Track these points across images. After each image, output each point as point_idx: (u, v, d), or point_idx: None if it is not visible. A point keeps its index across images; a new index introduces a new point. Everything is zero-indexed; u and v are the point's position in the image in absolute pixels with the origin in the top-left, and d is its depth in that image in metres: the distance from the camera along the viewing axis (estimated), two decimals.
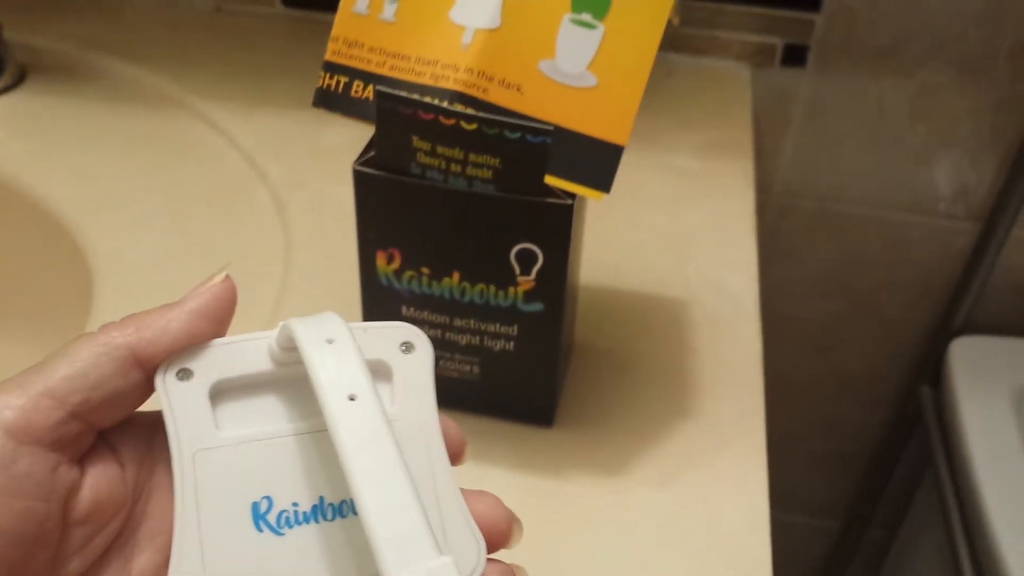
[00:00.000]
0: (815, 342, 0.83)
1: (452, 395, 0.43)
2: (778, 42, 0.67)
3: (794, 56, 0.68)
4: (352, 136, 0.40)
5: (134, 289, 0.51)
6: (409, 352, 0.25)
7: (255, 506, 0.23)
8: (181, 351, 0.23)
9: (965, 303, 0.74)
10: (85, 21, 0.72)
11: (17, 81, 0.67)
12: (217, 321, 0.24)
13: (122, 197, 0.57)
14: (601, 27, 0.35)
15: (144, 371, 0.23)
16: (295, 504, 0.23)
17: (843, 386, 0.85)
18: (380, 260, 0.39)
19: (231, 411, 0.23)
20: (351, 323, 0.24)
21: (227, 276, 0.24)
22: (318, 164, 0.59)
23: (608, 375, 0.46)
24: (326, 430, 0.21)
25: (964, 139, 0.69)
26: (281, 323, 0.23)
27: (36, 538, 0.21)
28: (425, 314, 0.40)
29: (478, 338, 0.41)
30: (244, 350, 0.24)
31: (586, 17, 0.35)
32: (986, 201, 0.72)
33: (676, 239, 0.55)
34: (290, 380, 0.24)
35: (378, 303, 0.41)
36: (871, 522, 0.91)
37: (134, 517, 0.23)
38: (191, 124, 0.63)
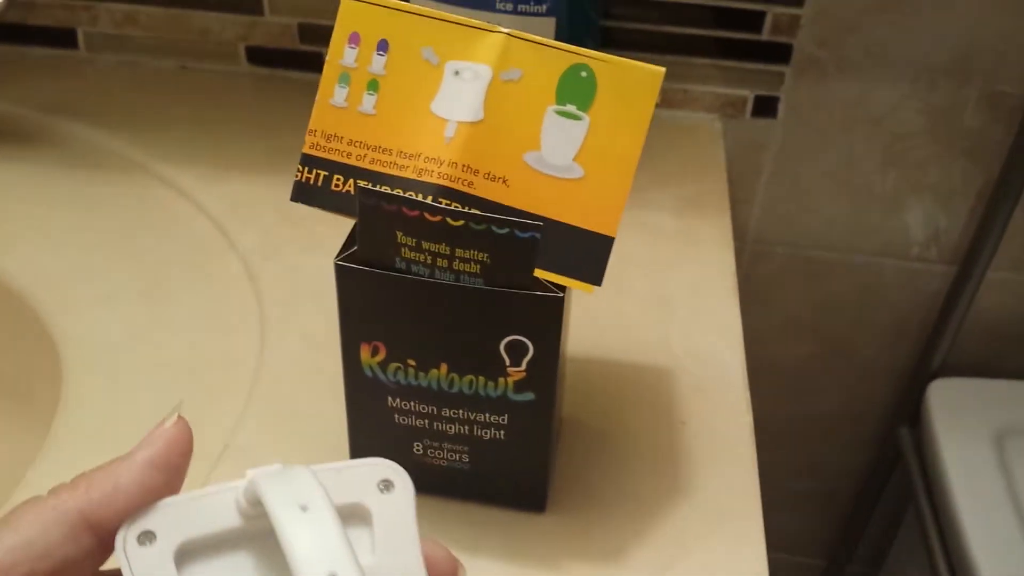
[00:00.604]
0: (793, 385, 0.83)
1: (441, 483, 0.42)
2: (748, 94, 0.67)
3: (765, 107, 0.68)
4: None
5: (104, 367, 0.49)
6: (388, 491, 0.24)
7: None
8: (139, 509, 0.22)
9: (942, 345, 0.74)
10: (45, 84, 0.70)
11: None
12: (172, 470, 0.22)
13: (88, 269, 0.55)
14: (586, 118, 0.34)
15: (96, 535, 0.21)
16: None
17: (823, 428, 0.85)
18: (364, 352, 0.38)
19: (199, 573, 0.22)
20: (323, 465, 0.23)
21: (180, 418, 0.23)
22: (291, 232, 0.58)
23: (598, 453, 0.45)
24: None
25: (935, 185, 0.70)
26: (248, 475, 0.22)
27: None
28: (412, 404, 0.39)
29: (467, 427, 0.39)
30: (209, 505, 0.22)
31: (571, 108, 0.34)
32: (959, 244, 0.72)
33: (658, 304, 0.54)
34: (260, 534, 0.22)
35: (362, 393, 0.39)
36: (853, 559, 0.91)
37: None
38: (157, 190, 0.62)
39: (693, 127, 0.68)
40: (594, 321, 0.52)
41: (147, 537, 0.22)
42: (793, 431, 0.86)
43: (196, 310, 0.53)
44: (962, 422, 0.72)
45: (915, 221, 0.72)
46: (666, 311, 0.54)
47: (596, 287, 0.35)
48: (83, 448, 0.45)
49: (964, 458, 0.70)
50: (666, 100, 0.69)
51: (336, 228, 0.37)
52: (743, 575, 0.40)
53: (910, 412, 0.78)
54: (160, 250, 0.57)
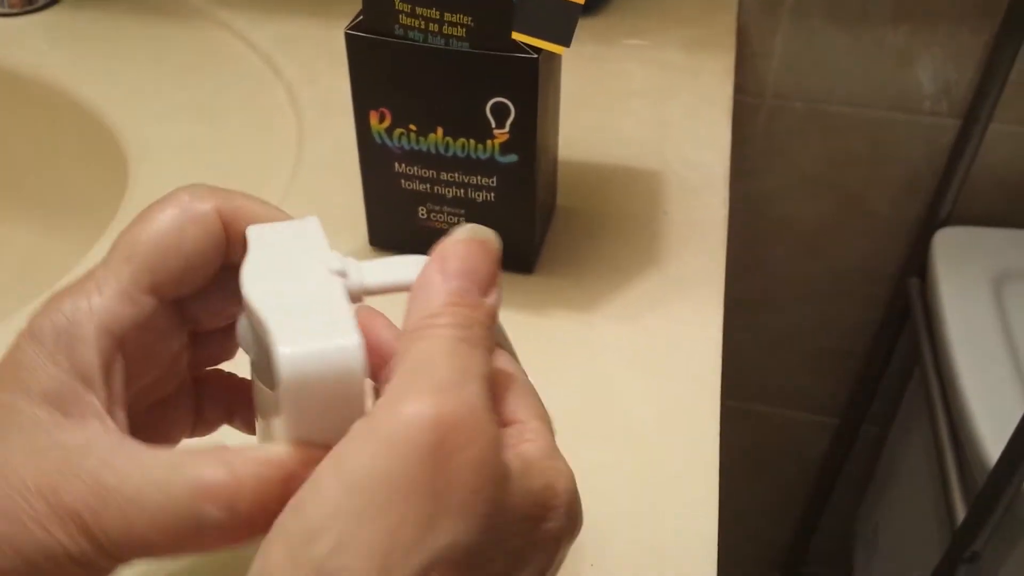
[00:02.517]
0: (808, 243, 0.87)
1: None
2: None
3: None
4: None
5: (166, 171, 0.56)
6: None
7: None
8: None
9: (949, 196, 0.77)
10: None
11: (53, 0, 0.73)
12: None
13: (152, 95, 0.63)
14: None
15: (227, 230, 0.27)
16: None
17: (837, 285, 0.89)
18: (373, 119, 0.44)
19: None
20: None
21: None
22: (330, 64, 0.64)
23: (586, 233, 0.51)
24: None
25: (944, 39, 0.73)
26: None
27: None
28: (415, 169, 0.45)
29: (462, 190, 0.46)
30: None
31: None
32: (967, 98, 0.75)
33: (657, 122, 0.59)
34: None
35: (373, 161, 0.46)
36: (867, 418, 0.95)
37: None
38: (213, 32, 0.69)
39: None
40: (596, 134, 0.58)
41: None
42: (810, 289, 0.90)
43: (246, 125, 0.60)
44: (964, 268, 0.76)
45: (926, 75, 0.75)
46: (663, 129, 0.59)
47: (566, 49, 0.40)
48: None
49: (964, 302, 0.74)
50: None
51: None
52: (698, 334, 0.45)
53: (918, 264, 0.81)
54: (216, 79, 0.64)
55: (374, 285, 0.26)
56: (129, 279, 0.25)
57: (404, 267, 0.27)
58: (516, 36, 0.40)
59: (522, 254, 0.48)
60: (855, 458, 0.99)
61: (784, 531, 1.12)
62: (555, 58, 0.44)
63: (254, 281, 0.25)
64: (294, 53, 0.66)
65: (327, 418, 0.23)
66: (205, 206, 0.26)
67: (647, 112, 0.60)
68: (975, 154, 0.75)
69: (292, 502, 0.20)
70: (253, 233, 0.27)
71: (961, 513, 0.67)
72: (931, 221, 0.79)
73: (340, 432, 0.22)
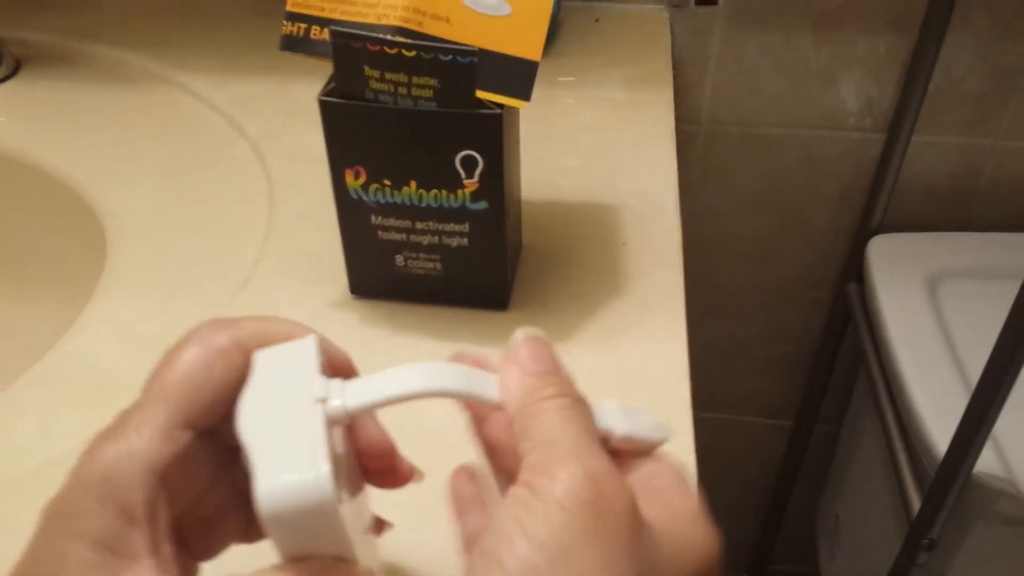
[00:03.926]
0: (753, 255, 0.91)
1: (421, 291, 0.51)
2: None
3: None
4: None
5: (142, 234, 0.58)
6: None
7: None
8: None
9: (879, 206, 0.83)
10: (69, 15, 0.80)
11: (13, 71, 0.74)
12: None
13: (119, 159, 0.65)
14: None
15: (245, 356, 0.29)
16: None
17: (782, 293, 0.94)
18: (349, 177, 0.47)
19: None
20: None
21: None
22: (290, 120, 0.67)
23: (553, 269, 0.54)
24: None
25: (863, 58, 0.78)
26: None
27: None
28: (391, 220, 0.48)
29: (437, 238, 0.49)
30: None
31: None
32: (889, 113, 0.80)
33: (606, 157, 0.63)
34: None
35: (350, 215, 0.49)
36: (818, 418, 1.00)
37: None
38: (173, 95, 0.71)
39: (642, 17, 0.77)
40: (551, 173, 0.61)
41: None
42: (758, 299, 0.94)
43: (215, 183, 0.62)
44: (899, 271, 0.81)
45: (849, 94, 0.80)
46: (613, 163, 0.62)
47: (526, 103, 0.44)
48: (133, 291, 0.54)
49: (899, 303, 0.79)
50: None
51: None
52: (665, 350, 0.49)
53: (856, 270, 0.86)
54: (181, 140, 0.66)
55: (356, 406, 0.28)
56: (165, 419, 0.28)
57: (388, 382, 0.28)
58: (480, 94, 0.43)
59: (496, 292, 0.51)
60: (811, 456, 1.04)
61: (750, 531, 1.17)
62: (515, 111, 0.48)
63: (246, 413, 0.27)
64: (254, 110, 0.68)
65: (310, 537, 0.26)
66: (223, 339, 0.29)
67: (596, 148, 0.64)
68: (900, 165, 0.80)
69: (485, 562, 0.24)
70: (256, 360, 0.29)
71: (916, 503, 0.71)
72: (865, 230, 0.84)
73: (327, 543, 0.26)
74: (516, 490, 0.25)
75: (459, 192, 0.47)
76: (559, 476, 0.24)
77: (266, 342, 0.30)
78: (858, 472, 0.93)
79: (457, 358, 0.30)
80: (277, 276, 0.54)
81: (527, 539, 0.23)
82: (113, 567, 0.25)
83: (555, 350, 0.30)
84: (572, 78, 0.71)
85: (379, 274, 0.51)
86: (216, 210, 0.60)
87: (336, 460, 0.26)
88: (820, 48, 0.78)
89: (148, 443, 0.27)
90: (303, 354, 0.29)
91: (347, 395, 0.28)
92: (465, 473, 0.33)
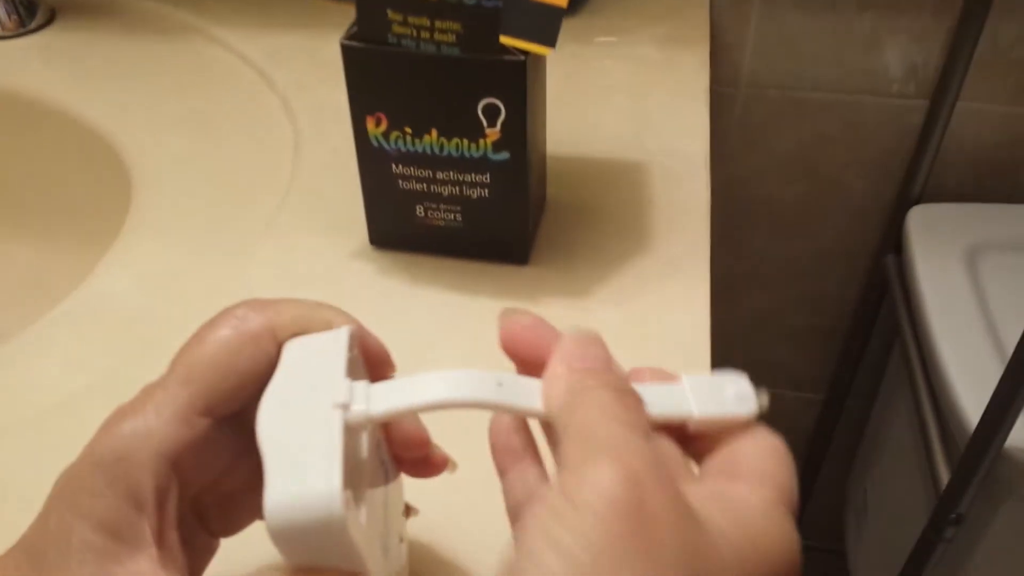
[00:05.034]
0: (789, 224, 0.90)
1: (441, 243, 0.51)
2: None
3: None
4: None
5: (168, 183, 0.58)
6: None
7: None
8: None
9: (920, 175, 0.80)
10: None
11: (48, 20, 0.75)
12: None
13: (150, 110, 0.65)
14: None
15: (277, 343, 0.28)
16: None
17: (818, 263, 0.92)
18: (370, 124, 0.47)
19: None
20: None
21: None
22: (321, 73, 0.66)
23: (577, 225, 0.53)
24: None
25: (909, 24, 0.76)
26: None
27: None
28: (412, 169, 0.48)
29: (458, 188, 0.48)
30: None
31: None
32: (934, 79, 0.78)
33: (638, 115, 0.62)
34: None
35: (371, 164, 0.48)
36: (851, 392, 0.98)
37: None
38: (207, 47, 0.71)
39: None
40: (579, 130, 0.60)
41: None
42: (793, 269, 0.93)
43: (243, 134, 0.62)
44: (937, 243, 0.79)
45: (893, 59, 0.78)
46: (644, 121, 0.61)
47: (551, 50, 0.43)
48: (155, 236, 0.54)
49: (938, 275, 0.77)
50: None
51: None
52: (687, 312, 0.48)
53: (894, 241, 0.84)
54: (211, 93, 0.66)
55: (380, 413, 0.26)
56: (186, 403, 0.27)
57: (417, 389, 0.26)
58: (504, 40, 0.43)
59: (517, 246, 0.51)
60: (842, 431, 1.02)
61: None
62: (541, 59, 0.47)
63: (266, 411, 0.26)
64: (286, 65, 0.68)
65: (318, 551, 0.24)
66: (256, 323, 0.28)
67: (628, 106, 0.63)
68: (943, 133, 0.78)
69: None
70: (286, 350, 0.28)
71: (945, 477, 0.70)
72: (905, 199, 0.82)
73: (337, 558, 0.24)
74: (545, 493, 0.22)
75: (480, 142, 0.46)
76: (592, 477, 0.21)
77: (303, 330, 0.28)
78: (889, 449, 0.91)
79: (505, 316, 0.28)
80: (298, 226, 0.54)
81: (556, 552, 0.20)
82: (115, 552, 0.25)
83: (606, 346, 0.27)
84: (613, 38, 0.69)
85: (399, 225, 0.51)
86: (242, 160, 0.60)
87: (355, 467, 0.25)
88: (864, 11, 0.75)
89: (165, 426, 0.26)
90: (334, 348, 0.27)
91: (372, 400, 0.26)
92: (509, 420, 0.30)
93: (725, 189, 0.87)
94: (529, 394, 0.26)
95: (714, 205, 0.55)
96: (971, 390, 0.70)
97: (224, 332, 0.28)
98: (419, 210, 0.50)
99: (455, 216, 0.49)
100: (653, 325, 0.48)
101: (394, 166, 0.48)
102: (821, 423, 1.01)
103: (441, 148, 0.47)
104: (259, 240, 0.53)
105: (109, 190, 0.62)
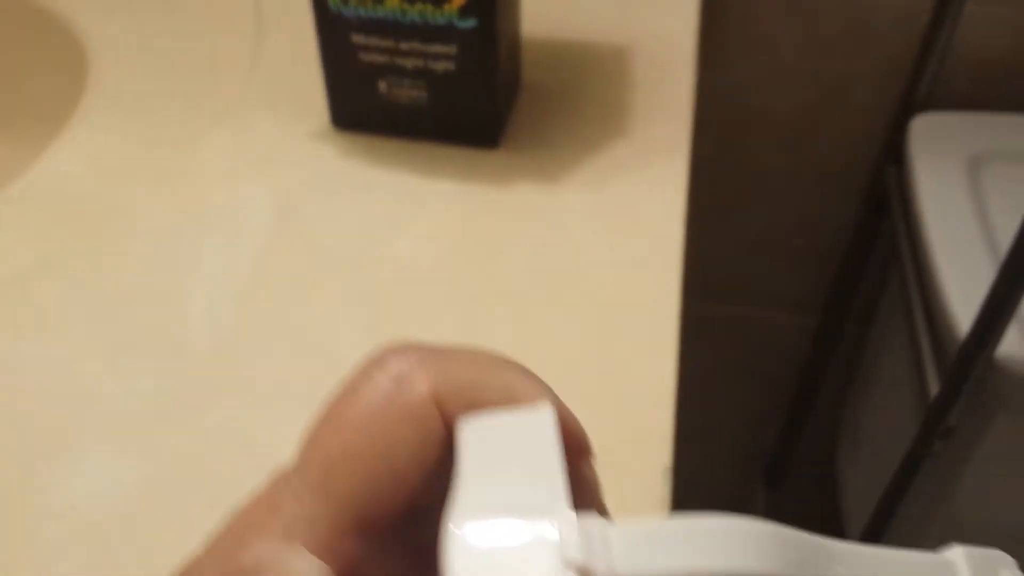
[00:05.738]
0: (787, 136, 0.86)
1: (406, 122, 0.48)
2: None
3: None
4: None
5: (126, 65, 0.55)
6: None
7: None
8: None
9: (925, 80, 0.77)
10: None
11: None
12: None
13: None
14: None
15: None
16: None
17: (816, 178, 0.88)
18: None
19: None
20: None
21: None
22: None
23: (553, 108, 0.50)
24: None
25: None
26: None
27: None
28: (373, 40, 0.45)
29: (422, 60, 0.45)
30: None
31: None
32: None
33: (623, 2, 0.58)
34: None
35: (330, 34, 0.45)
36: (847, 316, 0.96)
37: None
38: None
39: None
40: (560, 8, 0.57)
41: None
42: (790, 186, 0.89)
43: (204, 16, 0.59)
44: (939, 153, 0.75)
45: None
46: (630, 7, 0.58)
47: None
48: (110, 119, 0.51)
49: (938, 186, 0.74)
50: None
51: None
52: (663, 198, 0.45)
53: (896, 152, 0.81)
54: None
55: None
56: (328, 526, 0.19)
57: (686, 548, 0.16)
58: None
59: (486, 127, 0.47)
60: (837, 357, 0.99)
61: (769, 439, 1.14)
62: None
63: (459, 552, 0.16)
64: None
65: None
66: (420, 393, 0.19)
67: None
68: (951, 36, 0.74)
69: None
70: (463, 438, 0.19)
71: (935, 389, 0.67)
72: (908, 107, 0.79)
73: None
74: None
75: (445, 7, 0.43)
76: None
77: (475, 401, 0.19)
78: (885, 374, 0.89)
79: None
80: (258, 107, 0.51)
81: None
82: None
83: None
84: None
85: (361, 103, 0.48)
86: (202, 41, 0.57)
87: None
88: None
89: (301, 562, 0.18)
90: (537, 442, 0.19)
91: (614, 556, 0.16)
92: None
93: (723, 97, 0.83)
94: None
95: (709, 118, 0.52)
96: (966, 303, 0.67)
97: (375, 400, 0.19)
98: (382, 86, 0.46)
99: (420, 93, 0.46)
100: (627, 209, 0.45)
101: (354, 36, 0.45)
102: (816, 349, 0.99)
103: (404, 14, 0.43)
104: (217, 123, 0.50)
105: (64, 73, 0.59)
